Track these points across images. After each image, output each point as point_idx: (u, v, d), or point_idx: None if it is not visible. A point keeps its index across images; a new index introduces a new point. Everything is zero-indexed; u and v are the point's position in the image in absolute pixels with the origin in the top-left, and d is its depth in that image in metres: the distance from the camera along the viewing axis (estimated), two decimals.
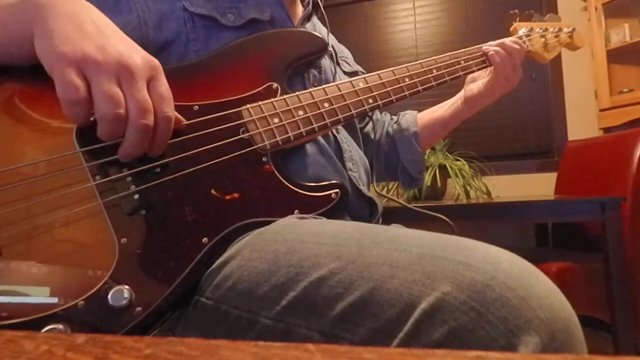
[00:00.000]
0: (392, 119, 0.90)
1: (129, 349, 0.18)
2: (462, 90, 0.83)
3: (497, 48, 0.77)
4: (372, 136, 0.86)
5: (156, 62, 0.44)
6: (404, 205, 0.78)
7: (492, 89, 0.78)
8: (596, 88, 2.16)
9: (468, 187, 2.02)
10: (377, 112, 0.88)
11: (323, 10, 0.74)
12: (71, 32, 0.41)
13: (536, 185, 2.27)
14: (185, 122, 0.49)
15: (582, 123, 2.26)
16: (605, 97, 2.11)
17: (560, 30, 0.90)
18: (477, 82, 0.81)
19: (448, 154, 2.12)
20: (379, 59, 2.59)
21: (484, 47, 0.78)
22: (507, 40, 0.79)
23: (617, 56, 2.13)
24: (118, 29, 0.45)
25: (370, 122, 0.87)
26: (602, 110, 2.14)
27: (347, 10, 2.67)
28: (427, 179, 1.95)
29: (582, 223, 1.76)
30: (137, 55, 0.42)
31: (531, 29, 0.87)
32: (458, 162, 2.06)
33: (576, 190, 1.83)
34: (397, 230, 0.41)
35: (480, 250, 0.35)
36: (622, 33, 2.08)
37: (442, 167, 2.01)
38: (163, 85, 0.44)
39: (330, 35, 0.79)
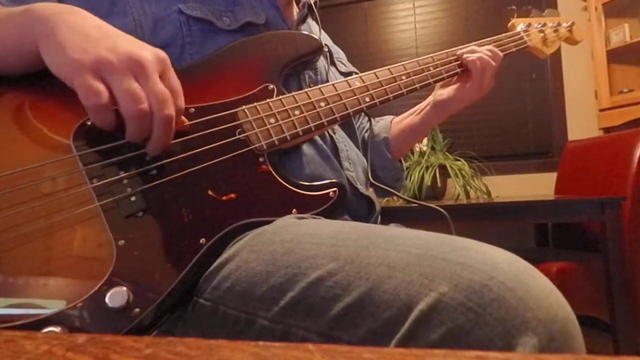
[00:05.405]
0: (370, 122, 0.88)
1: (129, 349, 0.18)
2: (432, 95, 0.80)
3: (476, 56, 0.73)
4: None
5: (164, 54, 0.45)
6: (404, 199, 0.78)
7: (463, 95, 0.75)
8: (596, 88, 2.16)
9: (468, 187, 2.01)
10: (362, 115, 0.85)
11: (317, 14, 0.74)
12: (80, 41, 0.42)
13: (536, 185, 2.27)
14: (187, 122, 0.49)
15: (582, 123, 2.26)
16: (605, 97, 2.11)
17: (559, 24, 0.89)
18: (448, 87, 0.77)
19: (448, 154, 2.12)
20: (379, 59, 2.59)
21: (459, 52, 0.74)
22: (484, 49, 0.75)
23: (617, 56, 2.12)
24: (119, 31, 0.46)
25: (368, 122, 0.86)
26: (602, 110, 2.14)
27: (347, 10, 2.67)
28: (427, 179, 1.95)
29: (582, 223, 1.76)
30: (146, 51, 0.43)
31: (529, 24, 0.86)
32: (458, 162, 2.06)
33: (576, 190, 1.83)
34: (395, 231, 0.41)
35: (479, 250, 0.35)
36: (622, 33, 2.08)
37: (442, 167, 2.00)
38: (173, 78, 0.45)
39: (326, 36, 0.79)
